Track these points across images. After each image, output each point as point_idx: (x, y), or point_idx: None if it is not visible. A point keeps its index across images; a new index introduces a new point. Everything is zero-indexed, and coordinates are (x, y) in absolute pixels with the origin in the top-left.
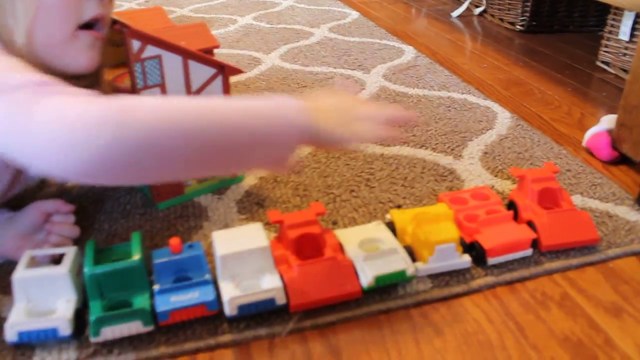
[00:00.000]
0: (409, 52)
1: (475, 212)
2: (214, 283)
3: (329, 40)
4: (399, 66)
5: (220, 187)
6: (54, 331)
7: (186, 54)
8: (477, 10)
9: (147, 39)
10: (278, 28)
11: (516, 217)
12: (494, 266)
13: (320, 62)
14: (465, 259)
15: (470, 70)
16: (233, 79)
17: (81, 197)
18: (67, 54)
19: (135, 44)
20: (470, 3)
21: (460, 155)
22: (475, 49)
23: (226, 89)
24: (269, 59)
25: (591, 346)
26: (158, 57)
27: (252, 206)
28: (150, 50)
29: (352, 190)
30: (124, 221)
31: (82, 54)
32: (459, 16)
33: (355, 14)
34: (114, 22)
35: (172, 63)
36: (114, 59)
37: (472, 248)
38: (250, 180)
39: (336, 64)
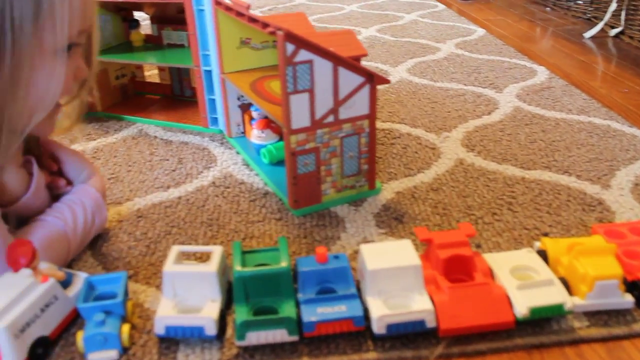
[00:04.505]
0: (542, 73)
1: (636, 248)
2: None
3: (456, 56)
4: (532, 87)
5: (357, 199)
6: (200, 330)
7: (337, 61)
8: (613, 32)
9: (301, 43)
10: (403, 42)
11: None
12: None
13: (450, 78)
14: (628, 299)
15: (609, 94)
16: None
17: (217, 197)
18: (40, 125)
19: (289, 47)
20: (606, 24)
21: (608, 185)
22: (612, 72)
23: (372, 99)
24: (396, 71)
25: None
26: (310, 62)
27: (391, 221)
28: (303, 55)
29: (494, 213)
30: (260, 225)
31: (50, 125)
32: (591, 37)
33: (481, 31)
34: (265, 25)
35: (322, 69)
36: (253, 62)
37: (635, 287)
38: (386, 193)
39: (466, 80)
